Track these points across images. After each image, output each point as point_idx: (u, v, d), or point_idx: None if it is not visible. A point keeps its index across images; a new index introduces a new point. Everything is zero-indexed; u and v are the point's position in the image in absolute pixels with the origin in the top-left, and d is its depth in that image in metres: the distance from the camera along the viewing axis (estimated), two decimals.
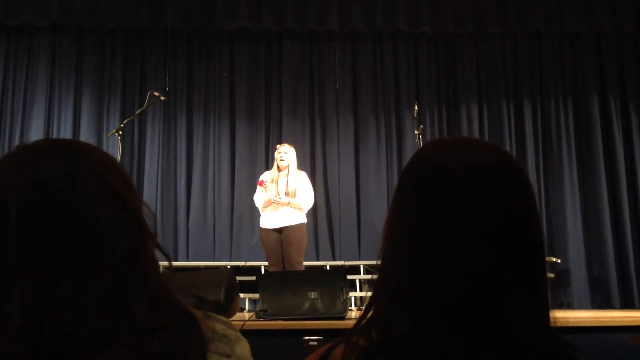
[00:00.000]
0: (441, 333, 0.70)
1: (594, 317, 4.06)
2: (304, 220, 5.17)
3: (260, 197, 5.23)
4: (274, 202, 5.04)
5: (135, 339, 0.62)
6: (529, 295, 0.73)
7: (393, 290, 0.76)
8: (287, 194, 5.09)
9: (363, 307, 0.80)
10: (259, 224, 6.31)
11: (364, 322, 0.77)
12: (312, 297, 3.72)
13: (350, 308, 4.54)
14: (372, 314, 0.77)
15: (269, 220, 5.12)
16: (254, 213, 6.66)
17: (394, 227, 0.79)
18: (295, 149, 5.40)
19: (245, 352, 0.75)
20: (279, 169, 5.21)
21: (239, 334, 0.78)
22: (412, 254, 0.75)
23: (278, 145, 5.42)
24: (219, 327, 0.75)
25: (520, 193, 0.77)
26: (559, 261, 6.66)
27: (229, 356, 0.72)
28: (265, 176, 5.31)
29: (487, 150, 0.79)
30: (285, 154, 5.20)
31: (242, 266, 6.24)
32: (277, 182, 5.15)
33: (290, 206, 5.05)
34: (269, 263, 5.27)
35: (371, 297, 0.79)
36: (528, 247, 0.75)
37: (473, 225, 0.73)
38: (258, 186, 5.30)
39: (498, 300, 0.71)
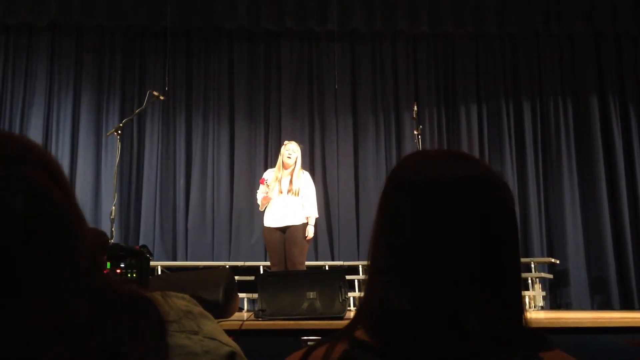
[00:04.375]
0: (438, 331, 0.73)
1: (593, 318, 4.06)
2: (312, 223, 5.17)
3: (262, 194, 5.21)
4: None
5: (74, 341, 0.57)
6: (512, 293, 0.78)
7: (377, 293, 0.79)
8: (289, 191, 5.08)
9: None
10: (258, 224, 6.31)
11: (348, 323, 0.80)
12: (311, 297, 3.71)
13: (349, 308, 4.53)
14: (357, 315, 0.81)
15: (273, 218, 5.10)
16: (253, 213, 6.67)
17: (378, 236, 0.84)
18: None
19: (213, 329, 0.71)
20: (284, 167, 5.19)
21: (203, 310, 0.74)
22: (394, 261, 0.79)
23: (286, 142, 5.34)
24: (182, 303, 0.72)
25: (498, 204, 0.80)
26: (558, 262, 6.66)
27: (196, 333, 0.69)
28: (268, 174, 5.28)
29: (466, 162, 0.81)
30: (293, 152, 5.16)
31: (241, 266, 6.23)
32: (280, 180, 5.13)
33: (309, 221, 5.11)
34: (270, 263, 5.25)
35: (362, 296, 0.83)
36: (503, 253, 0.79)
37: (451, 235, 0.76)
38: (260, 184, 5.26)
39: (474, 302, 0.74)
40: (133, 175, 7.06)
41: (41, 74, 7.10)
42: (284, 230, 5.06)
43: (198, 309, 0.73)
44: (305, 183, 5.19)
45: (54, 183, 0.63)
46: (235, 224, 6.91)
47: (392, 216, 0.82)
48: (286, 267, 4.98)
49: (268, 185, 5.12)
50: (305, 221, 5.09)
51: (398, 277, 0.77)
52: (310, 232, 5.08)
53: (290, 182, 5.11)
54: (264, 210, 5.19)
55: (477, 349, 0.71)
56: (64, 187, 0.65)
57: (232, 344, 0.72)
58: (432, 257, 0.76)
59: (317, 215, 5.28)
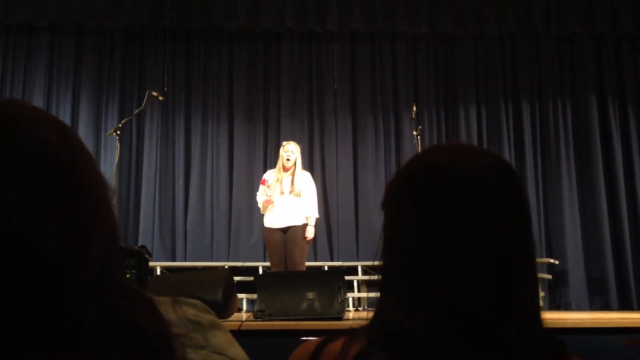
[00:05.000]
0: (437, 331, 0.71)
1: (592, 319, 4.06)
2: (313, 223, 5.16)
3: (263, 196, 5.20)
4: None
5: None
6: (523, 294, 0.75)
7: (392, 290, 0.78)
8: (291, 192, 5.08)
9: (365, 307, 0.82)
10: (257, 224, 6.29)
11: (366, 320, 0.78)
12: (310, 297, 3.71)
13: (347, 309, 4.54)
14: (375, 312, 0.79)
15: (274, 219, 5.10)
16: (252, 213, 6.67)
17: (390, 229, 0.80)
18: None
19: (221, 341, 0.68)
20: (284, 169, 5.18)
21: (214, 318, 0.71)
22: (407, 256, 0.77)
23: (284, 143, 5.34)
24: (192, 312, 0.69)
25: (512, 197, 0.78)
26: (557, 262, 6.66)
27: (203, 347, 0.66)
28: (269, 175, 5.28)
29: (481, 154, 0.80)
30: (292, 153, 5.16)
31: (240, 266, 6.23)
32: (281, 181, 5.13)
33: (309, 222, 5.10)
34: (270, 263, 5.25)
35: (379, 297, 0.81)
36: (519, 249, 0.76)
37: (465, 228, 0.74)
38: (260, 185, 5.26)
39: (492, 300, 0.72)
40: (132, 176, 7.06)
41: (40, 74, 7.09)
42: (285, 230, 5.07)
43: (209, 318, 0.71)
44: (307, 183, 5.19)
45: (57, 137, 0.60)
46: (235, 225, 6.90)
47: (392, 218, 0.80)
48: (286, 268, 4.97)
49: (269, 186, 5.12)
50: (306, 222, 5.09)
51: (403, 279, 0.76)
52: (310, 233, 5.08)
53: (292, 182, 5.10)
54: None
55: (489, 357, 0.70)
56: (68, 140, 0.61)
57: (240, 356, 0.70)
58: (437, 257, 0.74)
59: (318, 216, 5.29)
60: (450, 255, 0.73)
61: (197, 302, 0.72)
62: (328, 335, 0.77)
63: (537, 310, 0.77)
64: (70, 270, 0.56)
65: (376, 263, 0.81)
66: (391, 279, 0.79)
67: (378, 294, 0.81)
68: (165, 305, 0.67)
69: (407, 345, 0.71)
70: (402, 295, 0.75)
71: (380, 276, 0.80)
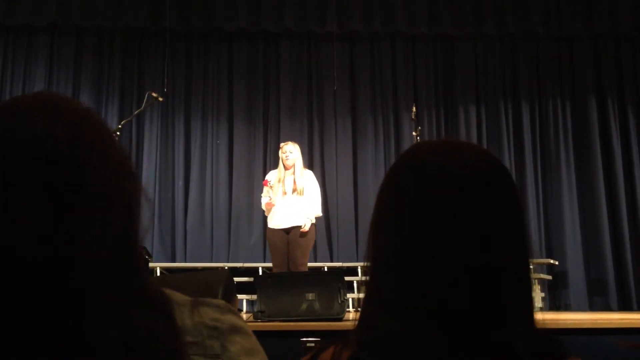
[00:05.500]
0: (427, 334, 0.69)
1: (592, 319, 4.06)
2: (313, 220, 5.15)
3: (266, 198, 5.21)
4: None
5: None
6: (514, 295, 0.73)
7: (380, 292, 0.76)
8: (294, 191, 5.09)
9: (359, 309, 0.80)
10: (256, 225, 6.28)
11: (355, 324, 0.77)
12: (310, 298, 3.71)
13: (347, 309, 4.53)
14: (362, 316, 0.77)
15: (278, 220, 5.10)
16: (252, 214, 6.67)
17: (378, 228, 0.80)
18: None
19: (239, 349, 0.66)
20: (285, 168, 5.19)
21: (236, 321, 0.68)
22: (395, 255, 0.75)
23: (282, 144, 5.37)
24: (212, 316, 0.67)
25: (505, 196, 0.76)
26: (557, 263, 6.66)
27: (217, 355, 0.64)
28: (271, 175, 5.29)
29: (470, 151, 0.78)
30: (291, 153, 5.17)
31: (240, 267, 6.23)
32: (283, 181, 5.14)
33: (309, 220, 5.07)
34: (273, 264, 5.26)
35: (363, 299, 0.79)
36: (512, 249, 0.74)
37: (454, 225, 0.72)
38: (263, 186, 5.28)
39: (484, 300, 0.71)
40: None
41: (40, 75, 7.08)
42: (288, 231, 5.07)
43: (230, 321, 0.68)
44: (309, 182, 5.20)
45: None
46: (234, 225, 6.90)
47: (388, 211, 0.79)
48: (288, 269, 4.98)
49: (271, 187, 5.13)
50: (311, 222, 5.09)
51: (391, 281, 0.74)
52: (307, 226, 5.03)
53: (294, 181, 5.12)
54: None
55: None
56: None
57: None
58: (427, 258, 0.72)
59: (320, 214, 5.28)
60: (440, 256, 0.71)
61: (221, 302, 0.69)
62: (320, 346, 0.76)
63: (531, 311, 0.75)
64: (60, 275, 0.54)
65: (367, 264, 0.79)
66: (379, 281, 0.77)
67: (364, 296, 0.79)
68: (182, 308, 0.65)
69: (397, 349, 0.70)
70: (391, 297, 0.74)
71: (367, 277, 0.79)
